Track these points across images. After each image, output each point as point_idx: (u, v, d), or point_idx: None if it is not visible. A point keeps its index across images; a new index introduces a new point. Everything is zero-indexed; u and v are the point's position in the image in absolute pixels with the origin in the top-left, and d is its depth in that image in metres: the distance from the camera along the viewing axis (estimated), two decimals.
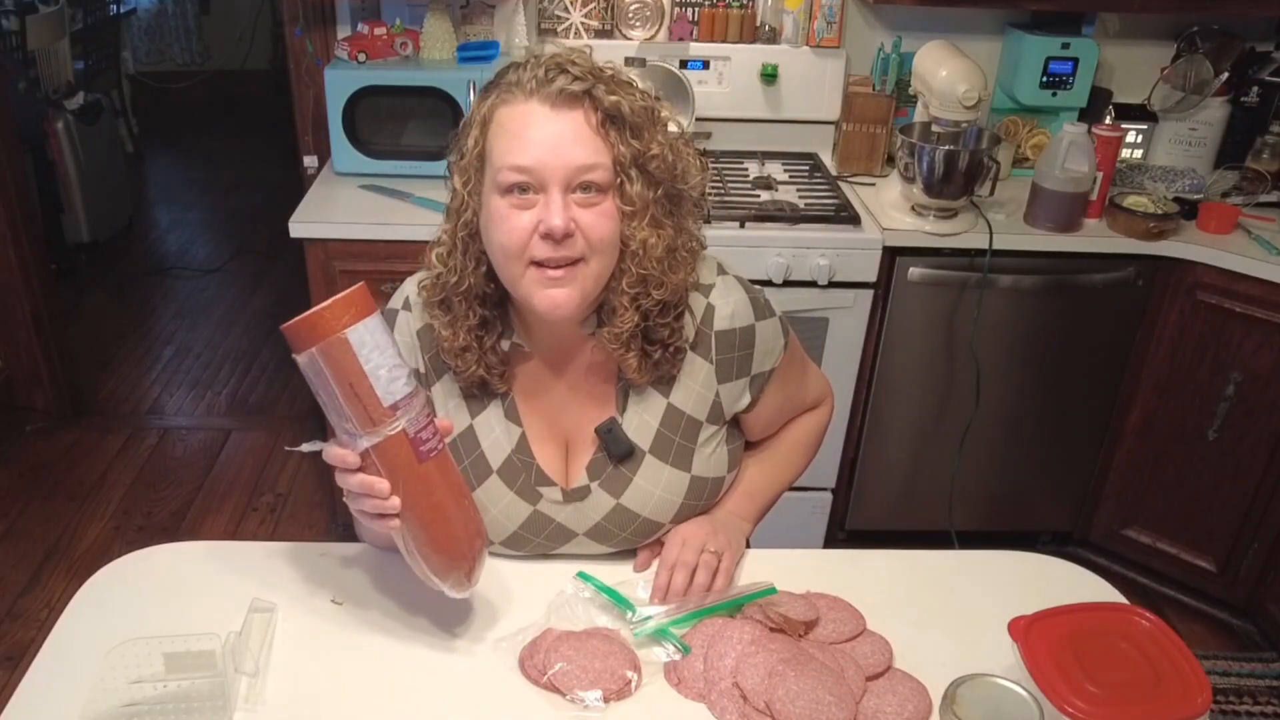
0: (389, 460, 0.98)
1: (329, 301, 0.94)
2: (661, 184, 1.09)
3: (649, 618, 1.12)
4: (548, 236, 1.03)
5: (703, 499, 1.23)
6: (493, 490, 1.19)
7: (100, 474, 2.89)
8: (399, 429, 0.97)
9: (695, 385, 1.19)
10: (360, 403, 0.95)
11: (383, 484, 0.98)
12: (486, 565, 1.21)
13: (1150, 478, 2.43)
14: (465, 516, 1.05)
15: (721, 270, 1.22)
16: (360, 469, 0.99)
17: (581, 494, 1.20)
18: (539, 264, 1.06)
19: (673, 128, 1.13)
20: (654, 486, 1.20)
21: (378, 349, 0.95)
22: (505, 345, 1.16)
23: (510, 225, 1.05)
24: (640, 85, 1.10)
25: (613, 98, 1.04)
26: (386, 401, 0.96)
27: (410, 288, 1.21)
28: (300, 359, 0.95)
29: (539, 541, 1.22)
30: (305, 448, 1.03)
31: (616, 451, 1.18)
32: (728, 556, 1.17)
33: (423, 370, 1.20)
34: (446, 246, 1.13)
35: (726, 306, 1.18)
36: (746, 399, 1.23)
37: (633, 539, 1.23)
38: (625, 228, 1.07)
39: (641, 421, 1.19)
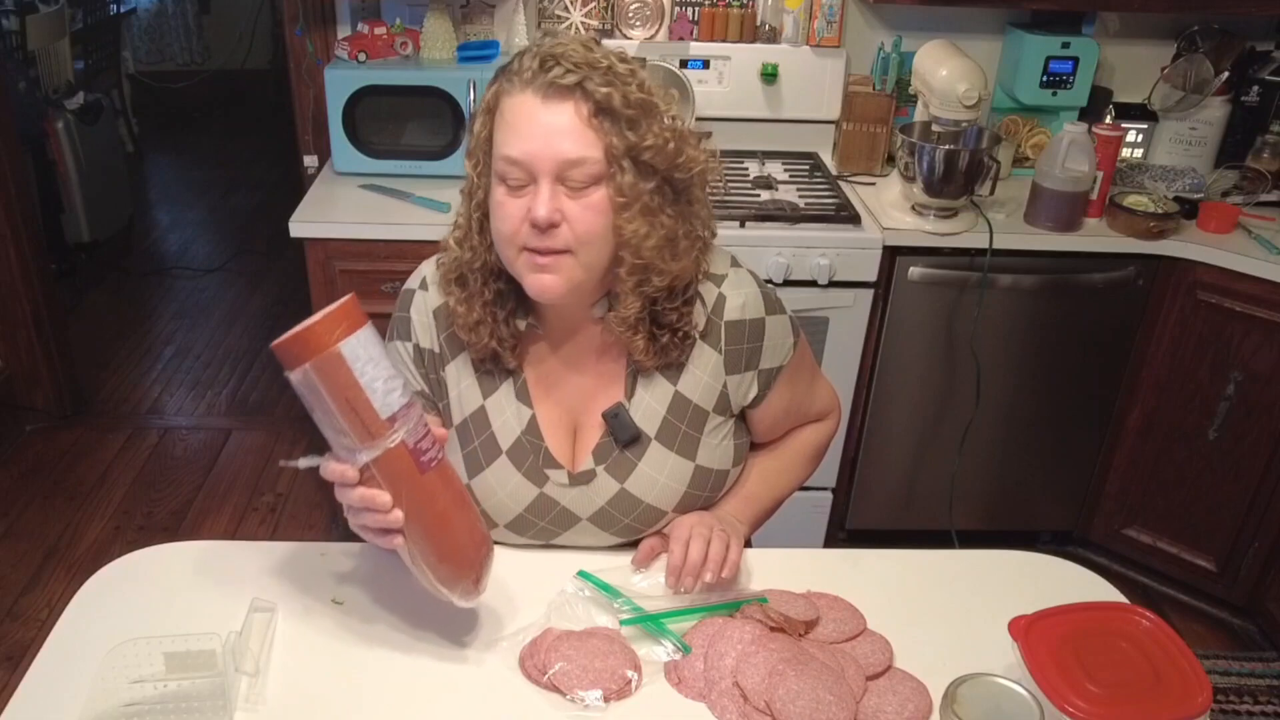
0: (390, 473, 0.96)
1: (319, 316, 0.91)
2: (658, 174, 1.09)
3: (637, 607, 1.12)
4: (535, 225, 1.06)
5: (706, 490, 1.24)
6: (501, 471, 1.20)
7: (100, 474, 2.89)
8: (398, 440, 0.95)
9: (703, 375, 1.21)
10: (357, 417, 0.93)
11: (384, 497, 0.96)
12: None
13: (1150, 477, 2.43)
14: (470, 525, 1.03)
15: (735, 263, 1.24)
16: (360, 483, 0.97)
17: (587, 477, 1.21)
18: (531, 249, 1.08)
19: (669, 120, 1.11)
20: (658, 473, 1.20)
21: (372, 361, 0.93)
22: (521, 325, 1.19)
23: (505, 212, 1.08)
24: (642, 74, 1.10)
25: (604, 90, 1.05)
26: (384, 414, 0.93)
27: (428, 268, 1.24)
28: (293, 376, 0.92)
29: (543, 525, 1.23)
30: (303, 463, 1.00)
31: (622, 436, 1.19)
32: (735, 543, 1.17)
33: (437, 350, 1.22)
34: (463, 229, 1.17)
35: (738, 297, 1.20)
36: (754, 392, 1.24)
37: (635, 526, 1.23)
38: (618, 218, 1.08)
39: (648, 408, 1.20)
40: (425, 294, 1.22)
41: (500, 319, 1.17)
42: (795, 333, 1.27)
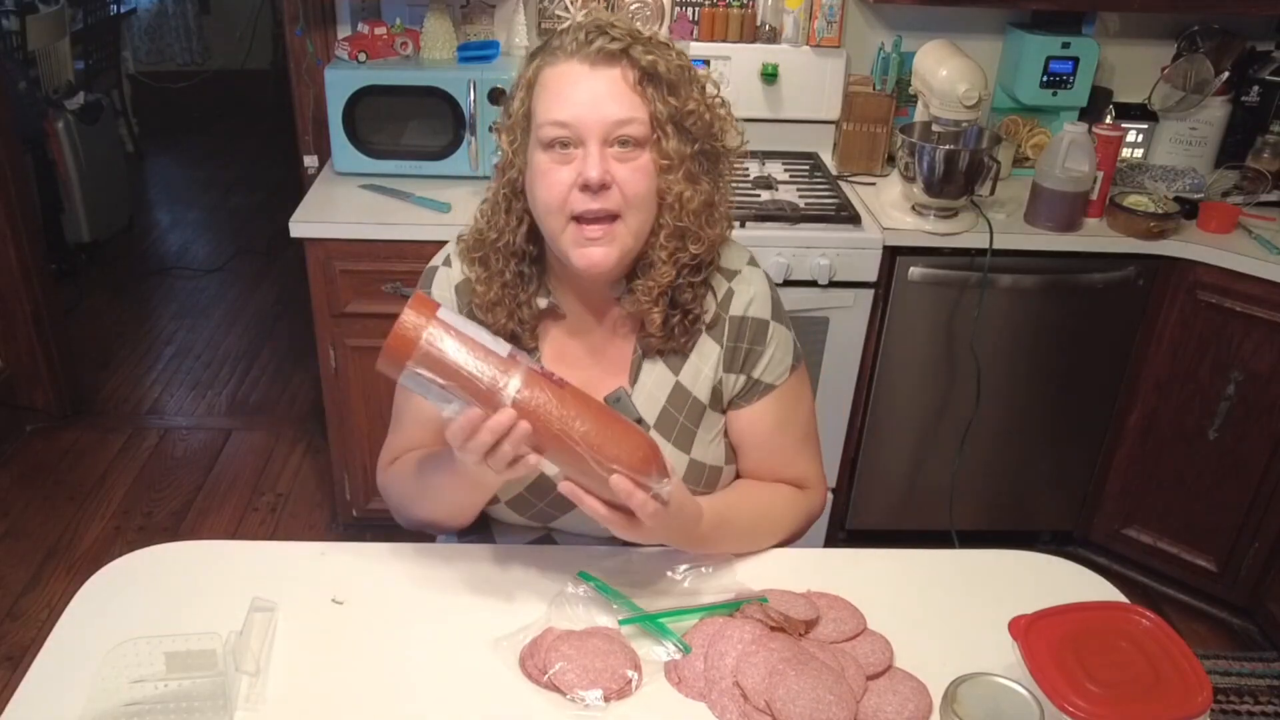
0: (536, 394, 1.00)
1: (406, 309, 0.98)
2: (698, 140, 1.13)
3: (636, 607, 1.12)
4: (585, 188, 1.08)
5: (700, 484, 1.24)
6: None
7: (100, 474, 2.89)
8: (525, 369, 1.00)
9: (704, 368, 1.22)
10: (487, 354, 0.99)
11: (521, 425, 0.98)
12: (489, 563, 1.21)
13: (1150, 477, 2.43)
14: (619, 417, 1.06)
15: (752, 262, 1.27)
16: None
17: None
18: (578, 220, 1.10)
19: (710, 89, 1.17)
20: None
21: (465, 324, 1.00)
22: (542, 303, 1.20)
23: (551, 180, 1.10)
24: (679, 47, 1.14)
25: (650, 57, 1.09)
26: (503, 353, 1.00)
27: (452, 246, 1.26)
28: (410, 365, 0.97)
29: (541, 507, 1.23)
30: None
31: None
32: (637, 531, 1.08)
33: None
34: (491, 204, 1.19)
35: (746, 294, 1.23)
36: (737, 390, 1.24)
37: None
38: (662, 181, 1.11)
39: (650, 395, 1.22)
40: (449, 270, 1.25)
41: (520, 301, 1.19)
42: (797, 358, 1.26)
